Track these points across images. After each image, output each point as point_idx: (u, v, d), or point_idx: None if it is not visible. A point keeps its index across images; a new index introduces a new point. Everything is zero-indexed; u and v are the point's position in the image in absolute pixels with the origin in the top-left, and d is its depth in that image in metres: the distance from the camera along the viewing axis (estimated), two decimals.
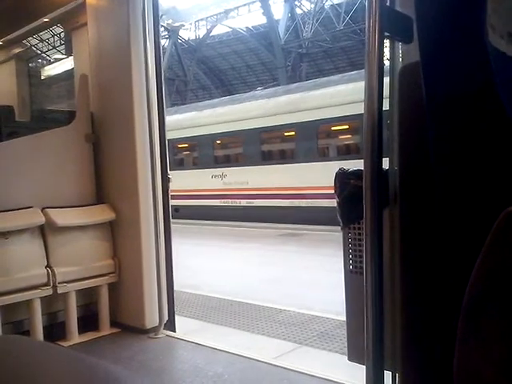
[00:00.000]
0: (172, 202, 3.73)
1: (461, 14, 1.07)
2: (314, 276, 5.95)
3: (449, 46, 1.10)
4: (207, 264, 7.10)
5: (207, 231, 11.62)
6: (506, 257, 0.85)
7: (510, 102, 1.02)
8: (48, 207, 3.45)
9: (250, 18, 26.91)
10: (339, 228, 1.96)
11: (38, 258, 3.36)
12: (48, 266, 3.40)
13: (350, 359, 1.94)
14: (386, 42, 1.53)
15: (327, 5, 25.15)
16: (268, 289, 5.46)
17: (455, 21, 1.09)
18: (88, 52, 3.90)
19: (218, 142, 14.76)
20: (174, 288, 3.72)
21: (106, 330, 3.63)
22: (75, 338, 3.48)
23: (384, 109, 1.49)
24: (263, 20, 25.86)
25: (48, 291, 3.36)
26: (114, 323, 3.68)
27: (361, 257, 1.79)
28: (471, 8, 1.06)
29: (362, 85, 1.51)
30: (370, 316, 1.50)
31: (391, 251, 1.62)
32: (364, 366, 1.57)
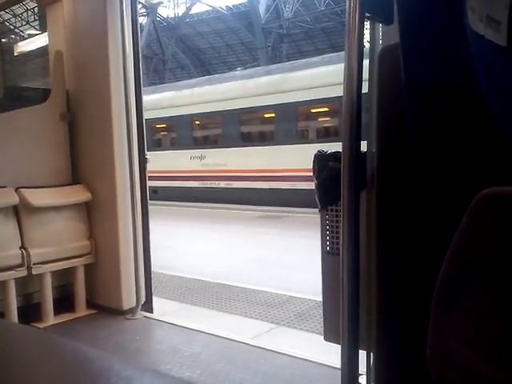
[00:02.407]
0: (150, 184, 3.70)
1: None
2: (294, 257, 5.99)
3: (428, 28, 1.09)
4: (186, 245, 7.09)
5: (186, 213, 11.58)
6: (479, 239, 0.86)
7: (487, 85, 1.02)
8: (22, 187, 3.38)
9: None
10: (317, 210, 1.97)
11: (12, 239, 3.30)
12: (22, 246, 3.34)
13: (326, 339, 1.97)
14: (367, 24, 1.52)
15: None
16: (247, 270, 5.49)
17: (435, 3, 1.08)
18: (63, 28, 3.79)
19: (197, 122, 14.64)
20: (153, 269, 3.71)
21: (82, 311, 3.61)
22: (50, 319, 3.45)
23: (364, 91, 1.49)
24: None
25: (23, 272, 3.31)
26: (90, 304, 3.65)
27: (338, 238, 1.80)
28: None
29: (341, 67, 1.50)
30: (346, 297, 1.51)
31: (368, 233, 1.63)
32: (339, 346, 1.59)
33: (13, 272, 3.26)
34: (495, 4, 1.23)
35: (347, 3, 1.41)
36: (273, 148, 12.48)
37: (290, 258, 6.04)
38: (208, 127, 14.69)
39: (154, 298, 3.71)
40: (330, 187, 1.79)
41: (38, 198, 3.41)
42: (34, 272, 3.35)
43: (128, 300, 3.55)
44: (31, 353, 0.78)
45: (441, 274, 0.91)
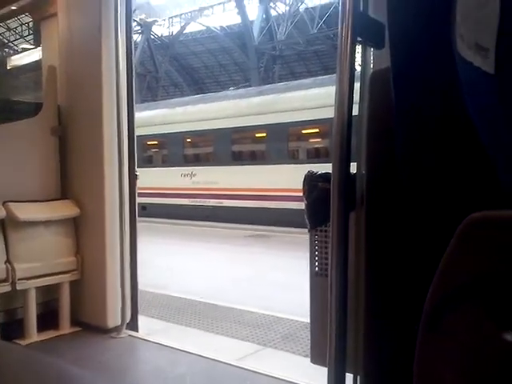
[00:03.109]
0: (139, 200, 3.68)
1: (432, 23, 1.09)
2: (281, 277, 5.96)
3: (419, 53, 1.11)
4: (173, 263, 7.03)
5: (175, 230, 11.51)
6: (468, 262, 0.86)
7: (474, 111, 1.04)
8: (10, 201, 3.35)
9: (224, 17, 26.88)
10: (306, 230, 1.97)
11: None
12: (7, 261, 3.29)
13: (312, 361, 1.95)
14: (358, 48, 1.54)
15: (302, 8, 25.33)
16: (234, 289, 5.45)
17: (426, 29, 1.10)
18: (57, 43, 3.80)
19: (189, 140, 14.67)
20: (139, 287, 3.67)
21: (66, 328, 3.54)
22: (34, 336, 3.38)
23: (354, 114, 1.50)
24: (238, 20, 25.87)
25: (6, 287, 3.25)
26: (74, 322, 3.59)
27: (326, 259, 1.80)
28: (442, 17, 1.07)
29: (333, 89, 1.52)
30: (334, 319, 1.50)
31: (357, 254, 1.63)
32: (326, 369, 1.57)
33: None
34: (483, 32, 1.26)
35: (339, 27, 1.43)
36: (264, 167, 12.52)
37: (278, 277, 6.01)
38: (199, 145, 14.73)
39: (139, 316, 3.66)
40: (319, 208, 1.79)
41: (26, 212, 3.38)
42: (18, 287, 3.29)
43: (113, 318, 3.50)
44: (13, 370, 0.76)
45: (428, 296, 0.91)
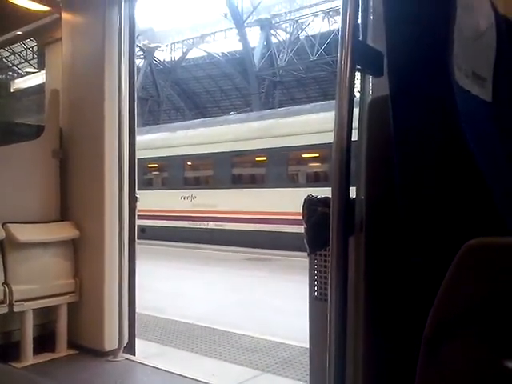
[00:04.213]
0: (138, 222, 3.68)
1: (430, 53, 1.12)
2: (279, 301, 5.92)
3: (417, 82, 1.14)
4: (172, 286, 6.99)
5: (173, 253, 11.46)
6: (466, 290, 0.87)
7: (473, 138, 1.06)
8: (9, 222, 3.35)
9: (226, 44, 27.27)
10: (306, 254, 1.97)
11: None
12: (5, 282, 3.27)
13: None
14: (357, 75, 1.57)
15: (302, 35, 25.75)
16: (232, 313, 5.40)
17: (424, 59, 1.13)
18: (61, 67, 3.86)
19: (189, 163, 14.74)
20: (137, 310, 3.64)
21: (62, 351, 3.51)
22: (30, 358, 3.34)
23: (353, 139, 1.52)
24: (239, 46, 26.24)
25: (3, 309, 3.22)
26: (71, 344, 3.55)
27: (326, 284, 1.79)
28: (440, 47, 1.10)
29: (332, 115, 1.54)
30: (333, 344, 1.49)
31: (356, 279, 1.63)
32: None
33: None
34: (480, 62, 1.29)
35: (339, 55, 1.46)
36: (263, 191, 12.55)
37: (277, 301, 5.96)
38: (200, 168, 14.79)
39: (136, 339, 3.62)
40: (319, 232, 1.79)
41: (25, 233, 3.38)
42: (15, 309, 3.27)
43: (110, 341, 3.47)
44: None
45: (428, 323, 0.91)
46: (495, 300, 0.82)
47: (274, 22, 26.21)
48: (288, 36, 26.36)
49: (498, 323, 0.82)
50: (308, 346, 1.96)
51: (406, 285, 1.24)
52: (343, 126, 1.47)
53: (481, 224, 1.03)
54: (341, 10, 1.48)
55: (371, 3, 1.71)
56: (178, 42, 28.80)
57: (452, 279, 0.88)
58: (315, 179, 12.11)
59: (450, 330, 0.88)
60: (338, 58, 1.48)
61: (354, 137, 1.55)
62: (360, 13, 1.60)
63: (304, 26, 25.84)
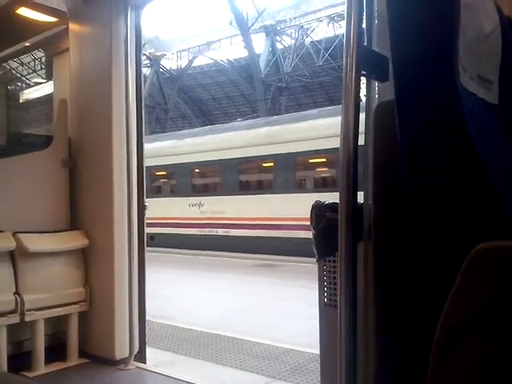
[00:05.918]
0: (147, 230, 3.69)
1: (435, 57, 1.12)
2: (289, 308, 5.90)
3: (422, 86, 1.14)
4: (181, 294, 6.99)
5: (182, 260, 11.47)
6: (476, 293, 0.86)
7: (479, 141, 1.06)
8: (20, 232, 3.38)
9: (231, 51, 27.38)
10: (314, 260, 1.97)
11: (7, 284, 3.26)
12: (16, 292, 3.29)
13: None
14: (363, 80, 1.57)
15: (307, 41, 25.79)
16: (242, 320, 5.39)
17: (429, 63, 1.13)
18: (69, 77, 3.90)
19: (197, 170, 14.77)
20: (147, 318, 3.65)
21: (73, 360, 3.51)
22: (41, 368, 3.35)
23: (360, 144, 1.52)
24: (244, 53, 26.33)
25: (15, 319, 3.24)
26: (82, 353, 3.56)
27: (335, 290, 1.79)
28: (445, 51, 1.10)
29: (338, 120, 1.54)
30: (344, 350, 1.49)
31: (365, 285, 1.62)
32: None
33: (5, 318, 3.19)
34: (486, 64, 1.29)
35: (344, 61, 1.47)
36: (271, 196, 12.54)
37: (286, 307, 5.94)
38: (207, 175, 14.82)
39: (147, 347, 3.63)
40: (327, 238, 1.79)
41: (35, 243, 3.40)
42: (26, 319, 3.28)
43: (121, 350, 3.47)
44: None
45: (438, 328, 0.90)
46: (506, 304, 0.82)
47: (279, 28, 26.29)
48: (293, 42, 26.41)
49: (509, 327, 0.82)
50: (318, 352, 1.95)
51: (416, 290, 1.23)
52: (349, 130, 1.48)
53: (489, 227, 1.03)
54: (345, 16, 1.49)
55: (376, 8, 1.71)
56: (183, 50, 28.96)
57: (462, 284, 0.87)
58: (323, 184, 12.09)
59: (460, 334, 0.88)
60: (344, 64, 1.48)
61: (361, 141, 1.55)
62: (365, 18, 1.61)
63: (309, 32, 25.88)
